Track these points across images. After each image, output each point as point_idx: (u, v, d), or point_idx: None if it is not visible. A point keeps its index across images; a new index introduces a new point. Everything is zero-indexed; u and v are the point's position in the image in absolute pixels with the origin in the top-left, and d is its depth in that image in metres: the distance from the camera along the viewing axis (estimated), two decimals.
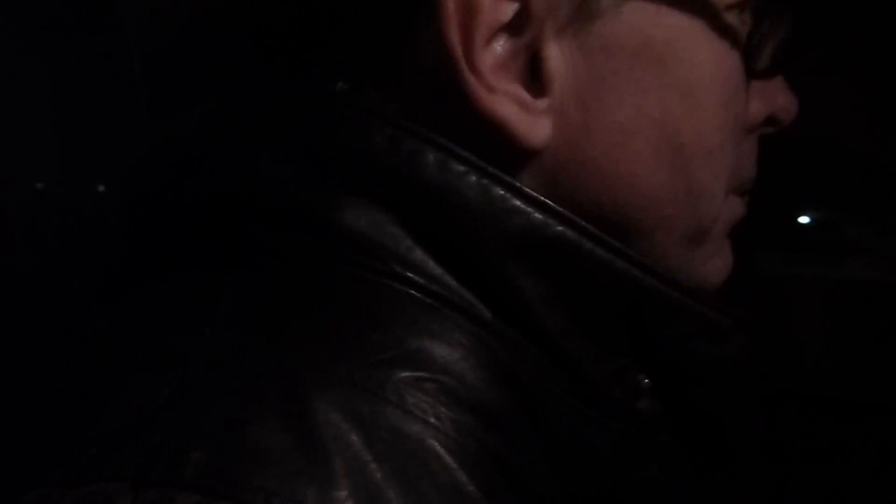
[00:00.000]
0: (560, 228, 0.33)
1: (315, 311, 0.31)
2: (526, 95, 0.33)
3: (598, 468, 0.35)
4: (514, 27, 0.32)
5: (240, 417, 0.28)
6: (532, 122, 0.33)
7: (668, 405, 0.37)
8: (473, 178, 0.32)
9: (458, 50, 0.32)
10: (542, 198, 0.33)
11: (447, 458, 0.28)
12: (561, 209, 0.33)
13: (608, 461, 0.36)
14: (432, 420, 0.29)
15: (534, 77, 0.33)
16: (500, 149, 0.33)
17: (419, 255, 0.33)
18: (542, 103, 0.33)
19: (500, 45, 0.33)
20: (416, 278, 0.32)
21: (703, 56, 0.35)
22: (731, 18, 0.35)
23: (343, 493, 0.26)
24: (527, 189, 0.33)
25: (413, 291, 0.32)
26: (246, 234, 0.34)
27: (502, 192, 0.33)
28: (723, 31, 0.35)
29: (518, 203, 0.33)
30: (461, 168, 0.32)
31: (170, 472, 0.26)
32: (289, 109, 0.35)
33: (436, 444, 0.28)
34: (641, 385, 0.37)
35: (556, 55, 0.33)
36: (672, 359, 0.37)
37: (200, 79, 0.43)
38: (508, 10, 0.32)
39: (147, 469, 0.27)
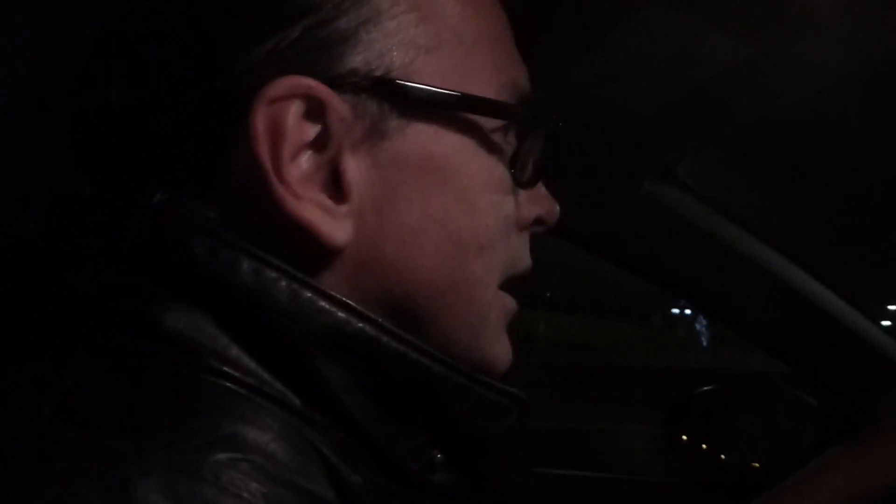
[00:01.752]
0: (360, 325, 0.38)
1: (138, 403, 0.34)
2: (329, 202, 0.39)
3: None
4: (316, 145, 0.39)
5: (64, 502, 0.30)
6: (334, 225, 0.39)
7: (459, 475, 0.43)
8: (284, 282, 0.37)
9: (268, 164, 0.37)
10: (345, 299, 0.38)
11: None
12: (360, 308, 0.39)
13: None
14: (245, 494, 0.32)
15: (336, 186, 0.39)
16: (308, 248, 0.38)
17: (234, 351, 0.37)
18: (343, 208, 0.39)
19: (305, 160, 0.38)
20: (232, 372, 0.36)
21: (475, 168, 0.42)
22: (498, 138, 0.43)
23: None
24: (331, 292, 0.38)
25: (229, 384, 0.36)
26: (73, 336, 0.36)
27: (309, 294, 0.38)
28: (490, 148, 0.42)
29: (323, 304, 0.38)
30: (273, 274, 0.37)
31: None
32: (114, 220, 0.38)
33: None
34: (435, 460, 0.42)
35: (353, 168, 0.39)
36: (461, 434, 0.42)
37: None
38: (311, 132, 0.38)
39: None
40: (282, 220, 0.38)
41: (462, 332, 0.43)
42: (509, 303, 0.47)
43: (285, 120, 0.37)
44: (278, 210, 0.37)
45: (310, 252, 0.39)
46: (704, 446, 1.15)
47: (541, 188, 0.48)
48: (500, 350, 0.46)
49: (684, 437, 1.15)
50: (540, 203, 0.47)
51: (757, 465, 1.10)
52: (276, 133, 0.37)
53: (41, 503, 0.30)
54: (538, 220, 0.47)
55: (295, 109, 0.37)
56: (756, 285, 0.95)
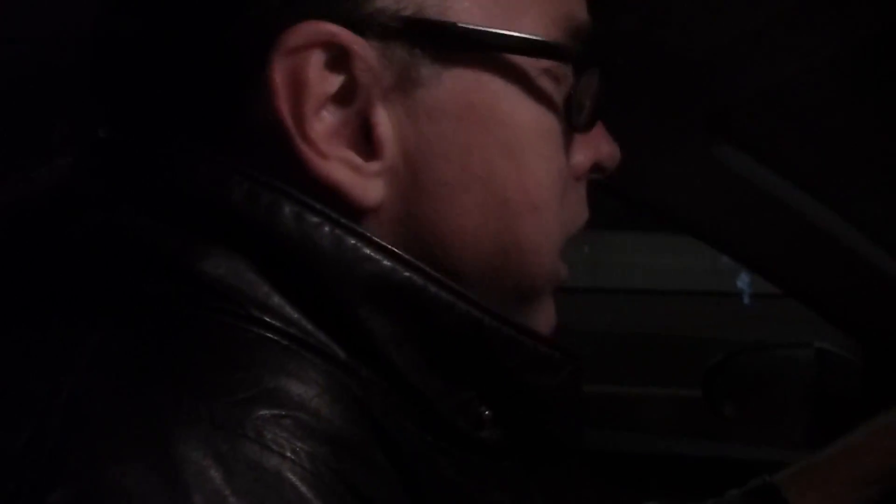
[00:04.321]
0: (407, 274, 0.36)
1: (176, 353, 0.33)
2: (358, 160, 0.36)
3: (448, 494, 0.38)
4: (342, 97, 0.35)
5: (100, 458, 0.28)
6: (365, 185, 0.36)
7: (509, 433, 0.41)
8: (327, 228, 0.35)
9: (290, 120, 0.34)
10: (391, 246, 0.36)
11: (302, 488, 0.30)
12: (408, 257, 0.36)
13: (458, 488, 0.38)
14: (289, 454, 0.30)
15: (366, 142, 0.36)
16: (339, 209, 0.36)
17: (276, 300, 0.35)
18: (374, 166, 0.36)
19: (331, 114, 0.35)
20: (274, 322, 0.34)
21: (522, 117, 0.38)
22: (547, 82, 0.39)
23: None
24: (377, 238, 0.36)
25: (270, 334, 0.34)
26: (107, 283, 0.35)
27: (354, 241, 0.35)
28: (539, 93, 0.39)
29: (368, 251, 0.36)
30: (315, 219, 0.35)
31: None
32: (147, 163, 0.36)
33: (292, 475, 0.30)
34: (483, 416, 0.40)
35: (384, 121, 0.36)
36: (510, 390, 0.40)
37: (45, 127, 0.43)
38: (335, 82, 0.35)
39: None
40: (308, 180, 0.35)
41: (508, 300, 0.40)
42: (562, 271, 0.43)
43: (306, 72, 0.34)
44: (303, 170, 0.35)
45: (342, 213, 0.36)
46: (745, 410, 1.13)
47: (598, 130, 0.43)
48: (544, 318, 0.43)
49: (725, 400, 1.13)
50: (598, 146, 0.43)
51: (796, 433, 1.08)
52: (297, 86, 0.34)
53: (77, 457, 0.29)
54: (596, 167, 0.43)
55: (316, 59, 0.34)
56: (804, 240, 0.92)
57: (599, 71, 0.41)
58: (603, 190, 0.46)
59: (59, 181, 0.38)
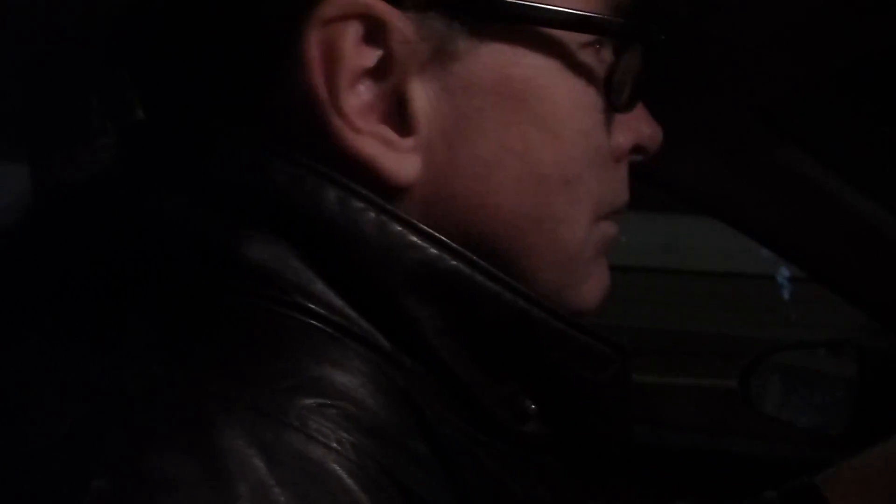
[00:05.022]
0: (454, 262, 0.35)
1: (219, 340, 0.32)
2: (392, 135, 0.35)
3: (490, 488, 0.37)
4: (378, 71, 0.35)
5: (143, 445, 0.28)
6: (399, 160, 0.35)
7: (554, 428, 0.40)
8: (372, 214, 0.34)
9: (324, 94, 0.34)
10: (437, 234, 0.35)
11: (348, 480, 0.29)
12: (454, 244, 0.36)
13: (500, 481, 0.37)
14: (334, 444, 0.30)
15: (401, 117, 0.35)
16: (373, 186, 0.35)
17: (320, 287, 0.34)
18: (409, 142, 0.36)
19: (366, 88, 0.35)
20: (318, 309, 0.34)
21: (560, 93, 0.37)
22: (587, 57, 0.38)
23: None
24: (422, 225, 0.35)
25: (315, 322, 0.34)
26: (149, 270, 0.34)
27: (399, 227, 0.35)
28: (579, 69, 0.38)
29: (414, 238, 0.35)
30: (360, 205, 0.34)
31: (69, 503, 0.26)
32: (187, 147, 0.36)
33: (337, 467, 0.30)
34: (528, 410, 0.39)
35: (420, 96, 0.35)
36: (556, 383, 0.39)
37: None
38: (372, 56, 0.34)
39: (45, 501, 0.27)
40: (342, 156, 0.34)
41: (549, 273, 0.39)
42: (608, 231, 0.42)
43: (342, 44, 0.33)
44: (336, 145, 0.34)
45: (376, 190, 0.35)
46: (783, 408, 1.11)
47: (640, 111, 0.42)
48: (592, 285, 0.42)
49: (762, 396, 1.12)
50: (640, 128, 0.42)
51: (836, 433, 1.06)
52: (332, 59, 0.33)
53: (120, 444, 0.28)
54: (637, 148, 0.42)
55: (352, 32, 0.34)
56: (853, 236, 0.90)
57: (642, 49, 0.39)
58: (639, 177, 0.44)
59: (100, 165, 0.37)
